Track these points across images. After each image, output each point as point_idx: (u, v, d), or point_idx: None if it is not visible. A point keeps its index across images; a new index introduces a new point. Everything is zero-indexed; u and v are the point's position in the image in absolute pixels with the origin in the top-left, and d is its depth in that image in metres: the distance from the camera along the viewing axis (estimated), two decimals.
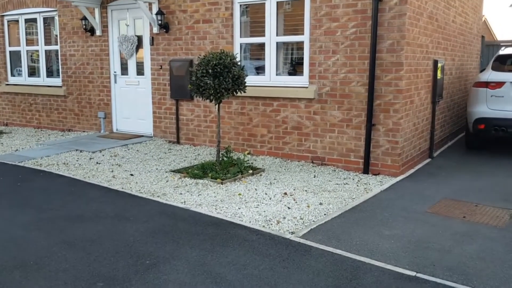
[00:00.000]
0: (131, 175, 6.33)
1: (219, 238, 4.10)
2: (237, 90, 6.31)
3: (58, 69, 10.34)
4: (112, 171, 6.56)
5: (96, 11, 9.32)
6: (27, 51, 10.84)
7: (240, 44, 7.84)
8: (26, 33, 10.81)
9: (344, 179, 6.28)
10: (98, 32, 9.38)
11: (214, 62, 6.08)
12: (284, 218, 4.62)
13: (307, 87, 7.13)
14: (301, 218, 4.62)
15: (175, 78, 8.40)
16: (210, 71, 6.07)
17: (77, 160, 7.16)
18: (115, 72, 9.41)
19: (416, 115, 7.10)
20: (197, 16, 8.12)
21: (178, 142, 8.60)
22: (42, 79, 10.59)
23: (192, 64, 8.22)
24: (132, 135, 9.14)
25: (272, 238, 4.06)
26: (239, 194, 5.43)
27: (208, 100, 6.36)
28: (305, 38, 7.15)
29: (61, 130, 10.28)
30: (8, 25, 11.09)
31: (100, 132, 9.63)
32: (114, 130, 9.59)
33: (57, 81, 10.33)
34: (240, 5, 7.76)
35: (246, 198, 5.30)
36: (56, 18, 10.04)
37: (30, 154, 7.49)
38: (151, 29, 8.66)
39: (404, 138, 6.62)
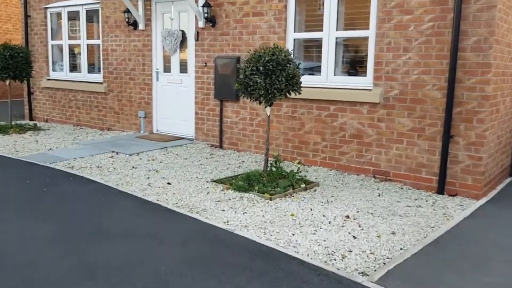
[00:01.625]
0: (169, 183, 5.62)
1: (271, 276, 3.27)
2: (292, 91, 5.47)
3: (100, 65, 9.87)
4: (148, 177, 5.88)
5: (140, 4, 8.74)
6: (69, 45, 10.46)
7: (294, 39, 7.00)
8: (69, 26, 10.42)
9: (415, 199, 5.31)
10: (141, 26, 8.81)
11: (266, 58, 5.27)
12: (350, 251, 3.73)
13: (370, 90, 6.20)
14: (371, 253, 3.72)
15: (220, 77, 7.67)
16: (261, 68, 5.27)
17: (112, 164, 6.54)
18: (157, 69, 8.80)
19: (500, 126, 6.01)
20: (247, 9, 7.35)
21: (220, 146, 7.86)
22: (83, 75, 10.17)
23: (240, 61, 7.45)
24: (173, 137, 8.49)
25: (340, 282, 3.19)
26: (292, 215, 4.59)
27: (256, 102, 5.57)
28: (370, 33, 6.22)
29: (100, 129, 9.80)
30: (51, 18, 10.76)
31: (140, 133, 9.05)
32: (154, 131, 8.98)
33: (98, 77, 9.86)
34: None
35: (301, 220, 4.44)
36: (99, 10, 9.56)
37: (64, 155, 6.95)
38: (197, 23, 7.97)
39: (488, 154, 5.57)
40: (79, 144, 7.87)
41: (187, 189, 5.40)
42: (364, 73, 6.39)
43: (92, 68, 10.15)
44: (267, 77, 5.27)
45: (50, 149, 7.46)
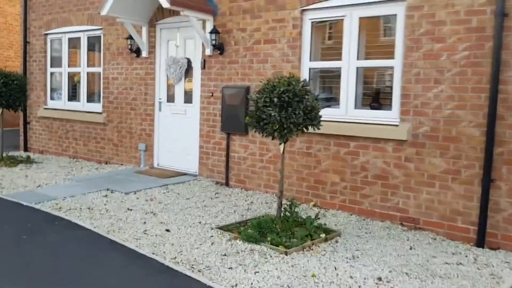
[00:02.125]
0: (167, 230, 4.90)
1: None
2: (310, 126, 4.81)
3: (100, 94, 9.31)
4: (145, 222, 5.16)
5: (144, 30, 8.23)
6: (68, 73, 9.93)
7: (309, 69, 6.40)
8: (69, 54, 9.92)
9: (453, 254, 4.55)
10: (144, 54, 8.26)
11: (281, 89, 4.63)
12: None
13: (397, 125, 5.53)
14: None
15: (228, 108, 7.05)
16: (275, 100, 4.62)
17: (105, 204, 5.84)
18: (160, 99, 8.21)
19: None
20: (258, 36, 6.79)
21: (227, 184, 7.15)
22: (82, 104, 9.59)
23: (249, 91, 6.84)
24: (175, 172, 7.80)
25: None
26: (313, 276, 3.84)
27: (267, 137, 4.90)
28: (396, 62, 5.60)
29: (97, 162, 9.15)
30: (51, 45, 10.28)
31: (139, 167, 8.38)
32: (155, 165, 8.31)
33: (97, 107, 9.28)
34: (312, 23, 6.36)
35: (325, 284, 3.69)
36: (101, 37, 9.07)
37: (53, 193, 6.27)
38: (203, 51, 7.42)
39: None
40: (72, 180, 7.18)
41: (188, 238, 4.67)
42: (388, 106, 5.74)
43: (92, 97, 9.59)
44: (282, 110, 4.62)
45: (39, 185, 6.78)
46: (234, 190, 6.84)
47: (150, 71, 8.27)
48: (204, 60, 7.42)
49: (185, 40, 7.84)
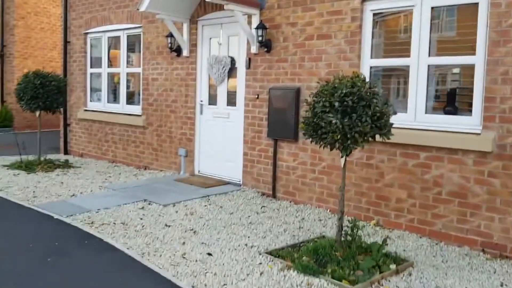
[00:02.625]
0: (209, 254, 4.26)
1: None
2: (378, 135, 4.05)
3: (139, 95, 8.86)
4: (184, 243, 4.55)
5: (185, 27, 7.68)
6: (108, 73, 9.56)
7: (370, 67, 5.61)
8: (109, 53, 9.55)
9: None
10: (185, 53, 7.71)
11: (344, 91, 3.90)
12: None
13: (478, 134, 4.66)
14: None
15: (275, 111, 6.36)
16: (336, 104, 3.89)
17: (141, 218, 5.29)
18: (201, 101, 7.63)
19: None
20: (311, 30, 6.06)
21: (273, 195, 6.47)
22: (122, 106, 9.18)
23: (300, 93, 6.13)
24: (217, 181, 7.20)
25: None
26: None
27: (325, 147, 4.18)
28: (477, 59, 4.73)
29: (136, 167, 8.69)
30: (91, 44, 9.95)
31: (179, 174, 7.84)
32: (196, 172, 7.74)
33: (136, 109, 8.83)
34: (374, 14, 5.57)
35: None
36: (141, 36, 8.61)
37: (86, 204, 5.79)
38: (249, 49, 6.76)
39: None
40: (108, 188, 6.71)
41: (233, 266, 4.01)
42: (467, 111, 4.87)
43: (131, 99, 9.16)
44: (345, 116, 3.88)
45: (73, 194, 6.33)
46: (282, 203, 6.15)
47: (191, 71, 7.70)
48: (249, 59, 6.77)
49: (228, 37, 7.22)
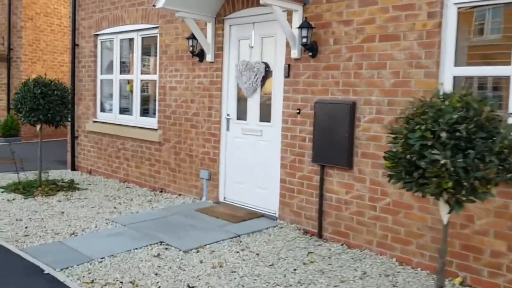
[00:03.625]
0: None
1: None
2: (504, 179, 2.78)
3: (155, 106, 7.70)
4: None
5: (209, 27, 6.50)
6: (120, 80, 8.43)
7: (454, 77, 4.33)
8: (121, 58, 8.43)
9: None
10: (209, 57, 6.52)
11: (454, 116, 2.65)
12: None
13: None
14: None
15: (323, 131, 5.12)
16: (443, 135, 2.65)
17: (156, 274, 4.08)
18: (228, 115, 6.43)
19: None
20: (371, 30, 4.81)
21: (319, 235, 5.22)
22: (135, 118, 8.03)
23: (355, 109, 4.89)
24: (247, 212, 5.98)
25: None
26: None
27: (423, 195, 2.93)
28: None
29: (151, 189, 7.53)
30: (101, 47, 8.84)
31: (201, 200, 6.64)
32: (221, 199, 6.53)
33: (152, 122, 7.67)
34: (458, 9, 4.30)
35: None
36: (158, 38, 7.45)
37: (88, 248, 4.59)
38: (288, 53, 5.54)
39: None
40: (116, 223, 5.51)
41: None
42: None
43: (146, 110, 8.00)
44: (457, 153, 2.63)
45: (74, 232, 5.13)
46: (332, 247, 4.89)
47: (216, 80, 6.51)
48: (289, 65, 5.54)
49: (262, 39, 6.01)
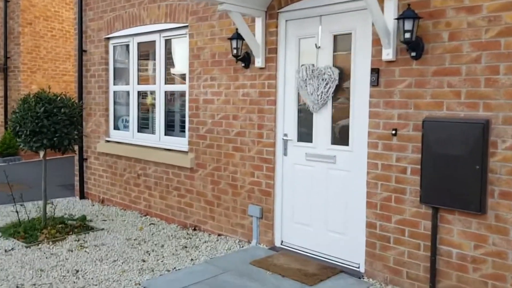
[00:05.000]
0: None
1: None
2: None
3: (184, 124, 6.29)
4: None
5: (258, 24, 5.08)
6: (138, 92, 7.02)
7: None
8: (138, 65, 7.02)
9: None
10: (258, 62, 5.10)
11: None
12: None
13: None
14: None
15: (438, 160, 3.69)
16: None
17: None
18: (285, 135, 5.01)
19: None
20: (510, 18, 3.41)
21: None
22: (158, 138, 6.62)
23: (489, 130, 3.47)
24: (319, 264, 4.52)
25: None
26: None
27: None
28: None
29: (181, 225, 6.11)
30: (114, 53, 7.43)
31: (250, 244, 5.21)
32: (277, 243, 5.10)
33: (180, 142, 6.25)
34: None
35: None
36: (187, 39, 6.05)
37: None
38: (376, 53, 4.12)
39: None
40: None
41: None
42: None
43: (171, 128, 6.58)
44: None
45: None
46: None
47: (268, 91, 5.09)
48: (378, 70, 4.12)
49: (333, 37, 4.59)
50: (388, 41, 3.96)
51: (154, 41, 6.55)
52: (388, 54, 4.00)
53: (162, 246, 5.26)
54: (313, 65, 4.68)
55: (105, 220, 6.38)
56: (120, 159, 7.18)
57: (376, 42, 4.12)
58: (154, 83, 6.62)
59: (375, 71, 4.13)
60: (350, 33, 4.40)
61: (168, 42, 6.44)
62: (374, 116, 4.19)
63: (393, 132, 4.03)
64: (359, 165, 4.35)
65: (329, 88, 4.53)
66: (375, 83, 4.14)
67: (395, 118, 4.04)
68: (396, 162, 4.05)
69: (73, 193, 8.14)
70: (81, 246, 5.25)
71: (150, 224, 6.21)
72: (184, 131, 6.25)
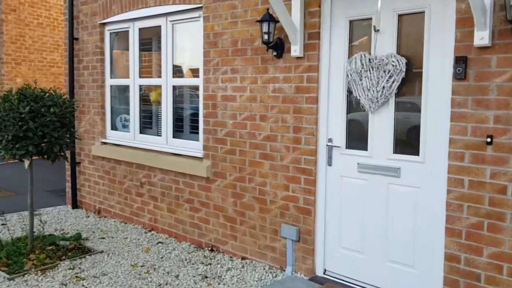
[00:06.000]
0: None
1: None
2: None
3: (197, 124, 5.31)
4: None
5: (295, 3, 4.11)
6: (140, 86, 6.02)
7: None
8: (140, 55, 6.01)
9: None
10: (295, 50, 4.13)
11: None
12: None
13: None
14: None
15: None
16: None
17: None
18: (330, 140, 4.06)
19: None
20: None
21: None
22: (165, 140, 5.63)
23: None
24: None
25: None
26: None
27: None
28: None
29: (195, 244, 5.16)
30: (112, 41, 6.41)
31: (284, 272, 4.28)
32: (319, 272, 4.17)
33: (193, 146, 5.28)
34: None
35: None
36: (201, 23, 5.05)
37: None
38: (463, 37, 3.16)
39: None
40: None
41: None
42: None
43: (180, 128, 5.59)
44: None
45: None
46: None
47: (308, 85, 4.13)
48: (466, 59, 3.18)
49: (397, 16, 3.62)
50: (484, 21, 3.02)
51: (160, 27, 5.53)
52: (482, 38, 3.06)
53: (177, 276, 4.29)
54: (370, 54, 3.72)
55: (103, 238, 5.40)
56: (120, 164, 6.18)
57: (462, 23, 3.18)
58: (160, 76, 5.61)
59: (461, 60, 3.19)
60: (423, 11, 3.45)
61: (176, 28, 5.43)
62: (458, 118, 3.25)
63: (488, 140, 3.10)
64: (435, 180, 3.42)
65: (394, 82, 3.58)
66: (461, 75, 3.20)
67: (491, 122, 3.11)
68: (490, 178, 3.12)
69: (65, 200, 7.14)
70: (76, 277, 4.27)
71: (157, 243, 5.24)
72: (197, 133, 5.26)
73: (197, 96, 5.22)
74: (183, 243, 5.27)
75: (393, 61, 3.56)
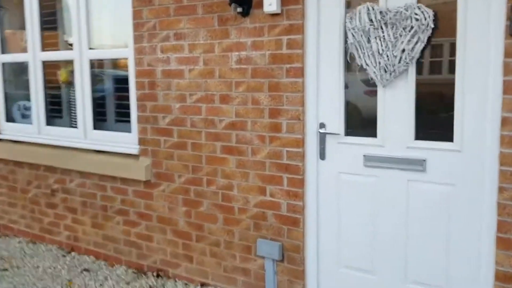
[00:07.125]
0: None
1: None
2: None
3: (128, 110, 4.00)
4: None
5: None
6: (43, 63, 4.51)
7: None
8: (42, 20, 4.48)
9: None
10: (270, 4, 2.99)
11: None
12: None
13: None
14: None
15: None
16: None
17: None
18: (322, 125, 3.03)
19: None
20: None
21: None
22: (83, 133, 4.24)
23: None
24: None
25: None
26: None
27: None
28: None
29: (135, 268, 3.93)
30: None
31: None
32: None
33: (123, 139, 3.97)
34: None
35: None
36: None
37: None
38: None
39: None
40: None
41: None
42: None
43: (103, 116, 4.24)
44: None
45: None
46: None
47: (290, 52, 3.03)
48: None
49: None
50: None
51: None
52: None
53: None
54: (382, 7, 2.73)
55: (5, 270, 3.95)
56: (21, 167, 4.67)
57: None
58: (71, 48, 4.18)
59: None
60: None
61: None
62: (511, 91, 2.39)
63: None
64: (478, 175, 2.55)
65: (417, 42, 2.62)
66: None
67: None
68: None
69: None
70: None
71: (82, 271, 3.91)
72: (128, 122, 3.97)
73: (126, 72, 3.91)
74: (117, 267, 4.01)
75: (416, 14, 2.60)
